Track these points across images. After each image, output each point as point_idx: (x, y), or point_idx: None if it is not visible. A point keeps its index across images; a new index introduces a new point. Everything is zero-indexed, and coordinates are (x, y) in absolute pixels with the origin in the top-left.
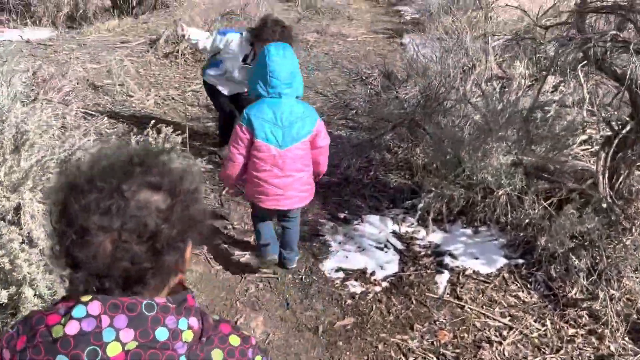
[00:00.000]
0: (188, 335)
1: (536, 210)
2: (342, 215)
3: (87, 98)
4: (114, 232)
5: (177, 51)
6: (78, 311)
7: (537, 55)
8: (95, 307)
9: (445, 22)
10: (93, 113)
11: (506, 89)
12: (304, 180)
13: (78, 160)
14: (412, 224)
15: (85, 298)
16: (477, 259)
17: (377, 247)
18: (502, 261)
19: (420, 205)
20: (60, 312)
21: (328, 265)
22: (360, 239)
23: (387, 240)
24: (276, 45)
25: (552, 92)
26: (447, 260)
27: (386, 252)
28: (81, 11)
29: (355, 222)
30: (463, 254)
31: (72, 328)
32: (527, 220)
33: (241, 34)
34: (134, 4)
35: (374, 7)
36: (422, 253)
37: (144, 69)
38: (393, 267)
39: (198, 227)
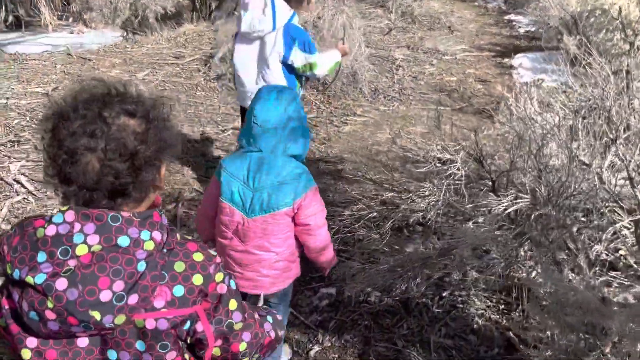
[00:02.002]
0: (149, 245)
1: None
2: None
3: None
4: (99, 152)
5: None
6: (57, 218)
7: None
8: (70, 215)
9: (568, 42)
10: None
11: None
12: (268, 264)
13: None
14: None
15: (63, 208)
16: None
17: None
18: None
19: None
20: (45, 219)
21: None
22: None
23: None
24: (270, 86)
25: None
26: None
27: None
28: (139, 18)
29: None
30: None
31: (50, 230)
32: None
33: None
34: (212, 8)
35: (481, 15)
36: None
37: (186, 95)
38: None
39: (171, 149)
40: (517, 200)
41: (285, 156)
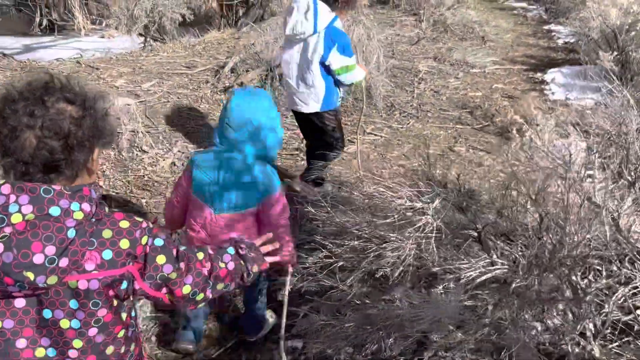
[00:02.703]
0: (78, 215)
1: None
2: None
3: None
4: (37, 130)
5: (241, 85)
6: None
7: None
8: (6, 188)
9: (604, 58)
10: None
11: None
12: None
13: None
14: None
15: (0, 182)
16: None
17: None
18: None
19: None
20: None
21: None
22: None
23: None
24: (246, 90)
25: None
26: None
27: None
28: (155, 25)
29: None
30: None
31: None
32: None
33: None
34: (240, 14)
35: (519, 25)
36: None
37: (189, 108)
38: None
39: (104, 138)
40: (492, 268)
41: (253, 157)
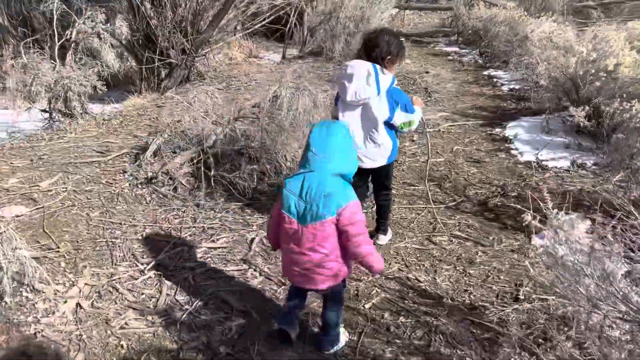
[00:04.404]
0: None
1: None
2: None
3: None
4: None
5: (167, 173)
6: None
7: None
8: None
9: (576, 114)
10: None
11: None
12: (319, 263)
13: None
14: None
15: None
16: None
17: None
18: None
19: None
20: None
21: None
22: None
23: None
24: (323, 122)
25: None
26: None
27: None
28: (60, 101)
29: None
30: None
31: None
32: None
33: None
34: (163, 76)
35: (457, 72)
36: None
37: (101, 213)
38: None
39: None
40: None
41: (332, 175)
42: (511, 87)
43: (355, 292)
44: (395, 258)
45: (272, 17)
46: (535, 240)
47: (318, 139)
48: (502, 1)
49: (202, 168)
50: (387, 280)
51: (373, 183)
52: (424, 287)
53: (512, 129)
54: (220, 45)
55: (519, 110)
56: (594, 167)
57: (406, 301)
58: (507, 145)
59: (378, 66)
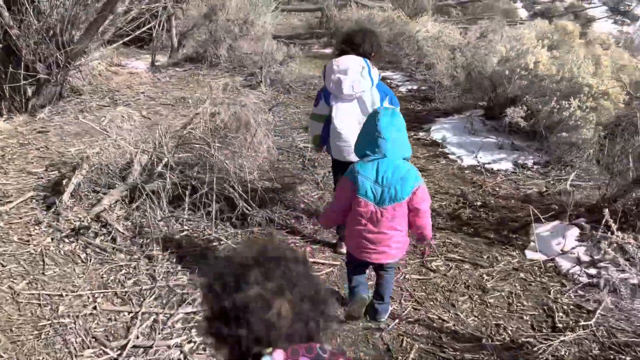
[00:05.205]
0: None
1: None
2: None
3: None
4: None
5: (98, 220)
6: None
7: None
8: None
9: (515, 114)
10: None
11: None
12: (396, 239)
13: None
14: None
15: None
16: None
17: None
18: None
19: None
20: None
21: None
22: None
23: None
24: (385, 109)
25: None
26: None
27: None
28: None
29: None
30: None
31: None
32: None
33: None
34: (30, 94)
35: None
36: None
37: (27, 282)
38: None
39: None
40: None
41: (400, 159)
42: (408, 87)
43: (385, 346)
44: (402, 294)
45: (133, 22)
46: (531, 255)
47: (387, 126)
48: (374, 3)
49: (148, 209)
50: (409, 324)
51: None
52: (453, 328)
53: (438, 132)
54: (102, 55)
55: (428, 111)
56: (536, 166)
57: (445, 348)
58: (441, 150)
59: (368, 60)
